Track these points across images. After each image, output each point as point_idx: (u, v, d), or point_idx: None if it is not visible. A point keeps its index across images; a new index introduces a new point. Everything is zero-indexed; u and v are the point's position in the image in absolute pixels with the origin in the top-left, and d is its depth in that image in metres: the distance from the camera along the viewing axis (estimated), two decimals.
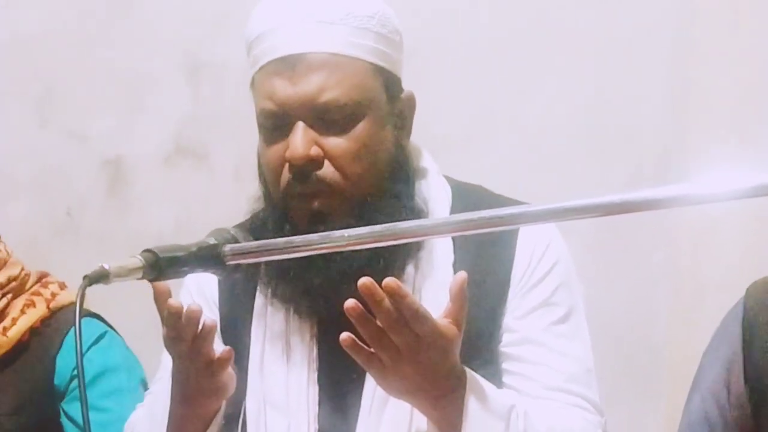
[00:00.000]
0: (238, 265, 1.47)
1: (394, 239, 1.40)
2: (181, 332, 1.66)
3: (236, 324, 1.86)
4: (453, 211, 1.85)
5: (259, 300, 1.85)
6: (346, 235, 1.37)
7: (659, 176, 2.74)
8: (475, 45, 2.81)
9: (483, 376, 1.70)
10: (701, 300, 2.69)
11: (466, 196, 1.87)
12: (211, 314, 1.85)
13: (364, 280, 1.53)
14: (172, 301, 1.64)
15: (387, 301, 1.54)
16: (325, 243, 1.40)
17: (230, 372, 1.75)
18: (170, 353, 1.73)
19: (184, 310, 1.65)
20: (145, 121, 2.96)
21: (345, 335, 1.58)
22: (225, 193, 2.81)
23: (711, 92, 2.71)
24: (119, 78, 2.96)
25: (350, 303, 1.55)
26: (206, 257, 1.45)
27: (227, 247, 1.46)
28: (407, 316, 1.55)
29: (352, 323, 1.57)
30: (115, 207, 2.97)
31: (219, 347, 1.74)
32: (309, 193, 1.76)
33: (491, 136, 2.81)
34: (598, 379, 1.83)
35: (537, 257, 1.82)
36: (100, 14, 2.96)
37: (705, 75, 2.72)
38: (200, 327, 1.67)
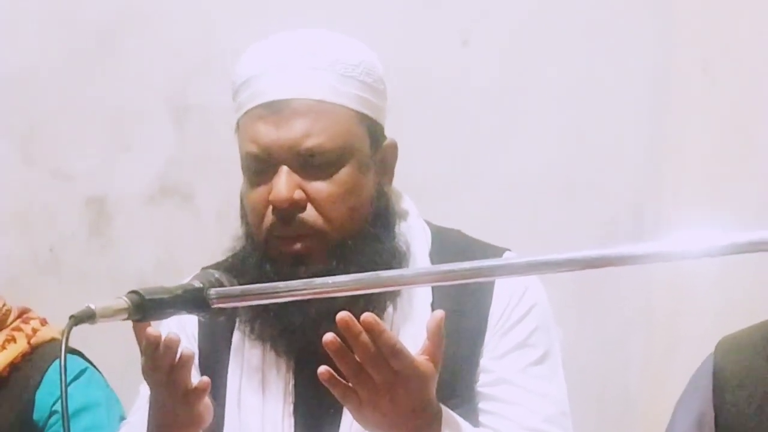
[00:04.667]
0: (223, 308, 1.48)
1: (376, 287, 1.43)
2: (158, 361, 1.67)
3: (214, 358, 1.87)
4: (432, 252, 1.87)
5: (237, 335, 1.86)
6: (329, 281, 1.39)
7: (634, 227, 2.78)
8: (454, 97, 2.84)
9: (460, 414, 1.72)
10: (674, 352, 2.71)
11: (445, 239, 1.90)
12: (190, 347, 1.85)
13: (342, 315, 1.56)
14: (150, 330, 1.66)
15: (365, 336, 1.56)
16: (308, 289, 1.42)
17: (207, 402, 1.76)
18: (148, 382, 1.74)
19: (162, 339, 1.66)
20: (129, 160, 2.97)
21: (323, 368, 1.59)
22: (208, 234, 2.82)
23: (685, 148, 2.74)
24: (104, 117, 2.96)
25: (329, 336, 1.57)
26: (191, 300, 1.46)
27: (212, 291, 1.46)
28: (385, 352, 1.57)
29: (330, 359, 1.59)
30: (99, 245, 2.97)
31: (197, 379, 1.74)
32: (292, 236, 1.78)
33: (469, 186, 2.83)
34: (572, 429, 1.84)
35: (515, 299, 1.83)
36: (86, 53, 2.96)
37: (679, 131, 2.75)
38: (178, 357, 1.68)
